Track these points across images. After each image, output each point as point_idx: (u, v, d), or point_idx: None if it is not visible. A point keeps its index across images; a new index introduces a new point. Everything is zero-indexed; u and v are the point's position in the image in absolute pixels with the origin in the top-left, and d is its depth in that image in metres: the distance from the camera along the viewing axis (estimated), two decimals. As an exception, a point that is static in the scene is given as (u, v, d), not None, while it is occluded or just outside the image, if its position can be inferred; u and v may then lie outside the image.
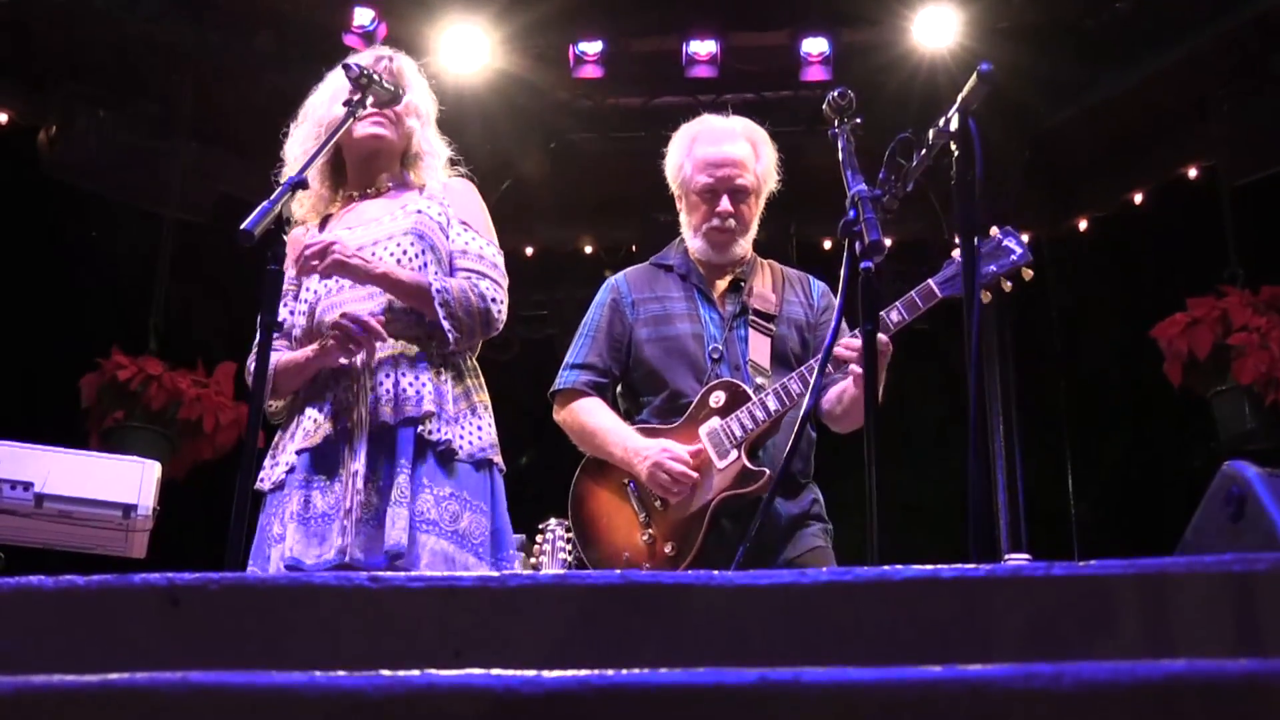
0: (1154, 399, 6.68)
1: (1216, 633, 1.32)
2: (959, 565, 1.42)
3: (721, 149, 3.20)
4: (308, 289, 2.81)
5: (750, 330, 3.18)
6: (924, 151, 2.47)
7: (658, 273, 3.32)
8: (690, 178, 3.22)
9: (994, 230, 3.07)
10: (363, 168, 2.95)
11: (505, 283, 2.88)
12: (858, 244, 2.25)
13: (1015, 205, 6.97)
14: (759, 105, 6.98)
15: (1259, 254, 6.22)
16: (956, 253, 2.91)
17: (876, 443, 2.19)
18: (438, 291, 2.71)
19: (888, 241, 2.28)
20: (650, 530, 3.06)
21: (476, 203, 2.97)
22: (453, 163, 3.03)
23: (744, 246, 3.25)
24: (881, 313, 2.99)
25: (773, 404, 3.03)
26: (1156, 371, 6.22)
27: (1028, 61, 6.40)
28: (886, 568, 1.43)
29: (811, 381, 2.99)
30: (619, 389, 3.28)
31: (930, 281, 3.00)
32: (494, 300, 2.80)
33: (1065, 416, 7.53)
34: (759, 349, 3.16)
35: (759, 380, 3.10)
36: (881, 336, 2.92)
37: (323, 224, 2.92)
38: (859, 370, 2.86)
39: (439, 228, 2.84)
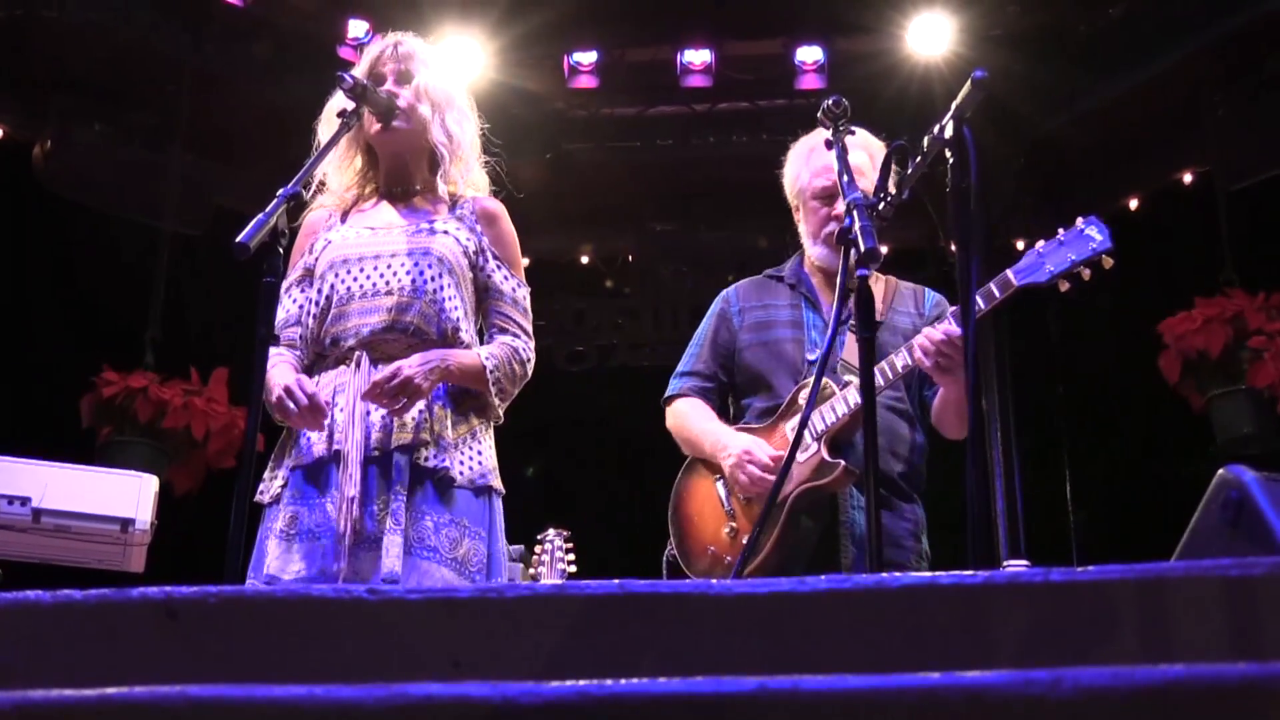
0: (1152, 404, 6.67)
1: (1214, 638, 1.32)
2: (957, 572, 1.42)
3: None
4: (319, 292, 2.79)
5: (850, 335, 3.17)
6: (919, 159, 2.47)
7: (769, 283, 3.40)
8: (808, 184, 3.27)
9: (1079, 220, 3.07)
10: (390, 166, 2.91)
11: (531, 327, 2.92)
12: (853, 252, 2.25)
13: (1010, 211, 6.97)
14: (753, 114, 7.00)
15: (1255, 259, 6.21)
16: (1041, 243, 2.96)
17: (875, 447, 2.19)
18: (491, 371, 2.77)
19: (883, 249, 2.28)
20: (733, 523, 3.13)
21: (510, 233, 2.94)
22: (486, 149, 2.97)
23: None
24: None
25: (853, 398, 3.02)
26: (1154, 376, 6.19)
27: (1022, 68, 6.40)
28: (884, 575, 1.43)
29: (891, 377, 3.00)
30: (730, 397, 3.35)
31: (1008, 271, 2.96)
32: (529, 361, 2.88)
33: (1063, 422, 7.52)
34: (854, 349, 3.17)
35: (847, 378, 3.10)
36: (955, 329, 2.90)
37: (344, 215, 2.90)
38: (938, 369, 2.89)
39: (464, 253, 2.83)
